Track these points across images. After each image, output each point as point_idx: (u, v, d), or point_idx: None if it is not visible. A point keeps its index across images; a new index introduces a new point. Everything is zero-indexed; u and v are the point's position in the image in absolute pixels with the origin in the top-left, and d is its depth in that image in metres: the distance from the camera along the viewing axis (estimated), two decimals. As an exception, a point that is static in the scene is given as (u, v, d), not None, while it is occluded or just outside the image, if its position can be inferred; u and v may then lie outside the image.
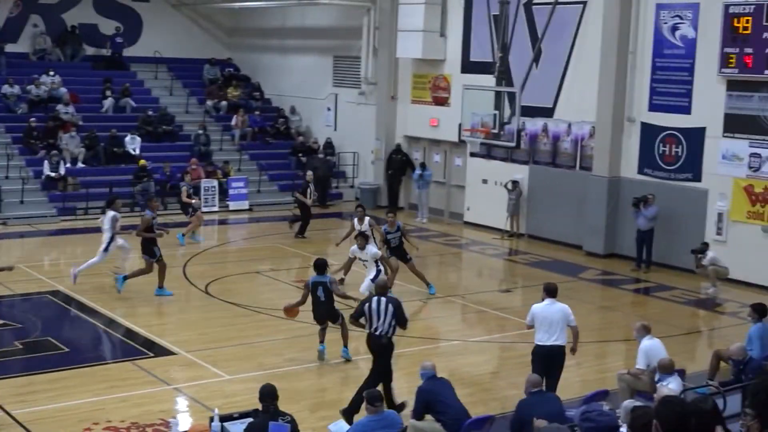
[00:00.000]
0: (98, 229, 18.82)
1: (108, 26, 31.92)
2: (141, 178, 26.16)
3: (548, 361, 11.75)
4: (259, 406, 9.18)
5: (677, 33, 20.73)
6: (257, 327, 15.90)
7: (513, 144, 23.81)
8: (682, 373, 11.88)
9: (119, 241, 18.15)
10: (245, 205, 27.29)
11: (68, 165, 26.23)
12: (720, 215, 20.06)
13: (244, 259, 21.16)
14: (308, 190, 23.51)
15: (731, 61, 19.39)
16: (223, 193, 27.03)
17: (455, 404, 10.43)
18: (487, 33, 24.46)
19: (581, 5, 22.59)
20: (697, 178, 20.57)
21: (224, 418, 9.63)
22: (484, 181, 25.32)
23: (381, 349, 11.96)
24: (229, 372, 13.45)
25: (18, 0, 30.65)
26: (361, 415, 10.30)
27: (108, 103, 29.36)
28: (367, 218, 18.54)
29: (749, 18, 19.01)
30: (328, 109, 30.65)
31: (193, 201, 23.35)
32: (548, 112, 23.54)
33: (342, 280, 17.10)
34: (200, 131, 28.81)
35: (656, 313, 17.05)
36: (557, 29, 22.96)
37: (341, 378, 13.67)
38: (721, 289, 18.80)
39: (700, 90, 20.33)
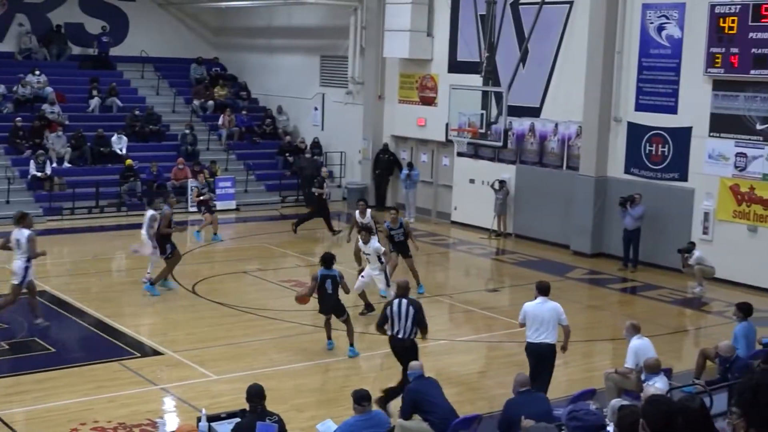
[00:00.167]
0: (84, 230, 18.80)
1: (94, 25, 31.79)
2: (128, 178, 26.10)
3: (537, 358, 11.85)
4: (247, 406, 9.18)
5: (663, 33, 20.80)
6: (244, 327, 15.88)
7: (500, 144, 23.81)
8: (668, 372, 11.92)
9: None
10: (232, 204, 27.25)
11: (54, 165, 26.14)
12: (706, 215, 20.14)
13: (231, 259, 21.12)
14: (324, 185, 23.64)
15: (717, 60, 19.46)
16: (210, 193, 26.96)
17: (443, 404, 10.44)
18: (474, 33, 24.48)
19: (568, 5, 22.65)
20: (684, 177, 20.65)
21: (212, 418, 9.61)
22: (471, 181, 25.35)
23: (404, 352, 11.99)
24: (216, 372, 13.43)
25: (3, -1, 30.56)
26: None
27: (94, 102, 29.27)
28: (368, 211, 18.86)
29: (735, 18, 19.08)
30: (315, 109, 30.62)
31: (201, 198, 23.48)
32: (535, 112, 23.60)
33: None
34: (187, 131, 28.75)
35: (643, 313, 17.10)
36: (544, 29, 23.00)
37: (330, 378, 13.68)
38: (708, 288, 18.87)
39: (687, 90, 20.40)
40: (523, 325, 12.07)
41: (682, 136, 20.56)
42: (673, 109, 20.71)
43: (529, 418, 9.14)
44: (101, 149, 27.22)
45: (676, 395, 8.99)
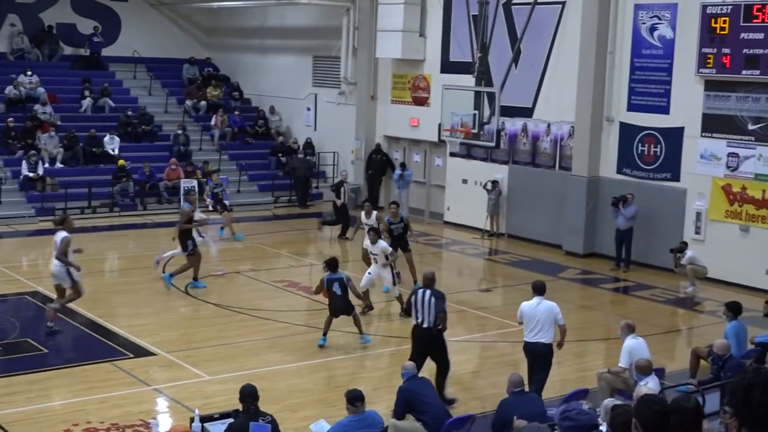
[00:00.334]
0: (76, 230, 18.73)
1: (86, 26, 31.74)
2: (120, 179, 26.06)
3: (533, 357, 11.94)
4: (240, 407, 9.18)
5: (655, 33, 20.84)
6: (237, 327, 15.86)
7: (492, 144, 23.86)
8: (661, 372, 11.95)
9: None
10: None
11: (47, 165, 26.09)
12: (698, 214, 20.19)
13: (224, 260, 21.09)
14: (341, 190, 23.57)
15: (709, 61, 19.51)
16: (203, 193, 26.91)
17: (436, 404, 10.46)
18: (466, 33, 24.50)
19: (560, 5, 22.68)
20: (676, 177, 20.69)
21: (205, 419, 9.61)
22: (464, 181, 25.37)
23: (431, 341, 12.21)
24: (209, 372, 13.42)
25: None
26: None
27: (86, 103, 29.21)
28: (374, 213, 19.22)
29: (726, 18, 19.13)
30: (308, 109, 30.62)
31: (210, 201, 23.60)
32: (527, 112, 23.62)
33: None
34: (179, 131, 28.71)
35: (635, 312, 17.12)
36: (536, 29, 23.03)
37: (322, 378, 13.67)
38: (700, 288, 18.91)
39: (678, 90, 20.45)
40: (521, 323, 12.14)
41: (674, 137, 20.60)
42: (665, 110, 20.75)
43: (523, 418, 9.15)
44: (93, 150, 27.18)
45: (669, 395, 9.00)
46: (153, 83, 31.62)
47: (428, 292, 12.28)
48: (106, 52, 31.98)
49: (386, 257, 16.62)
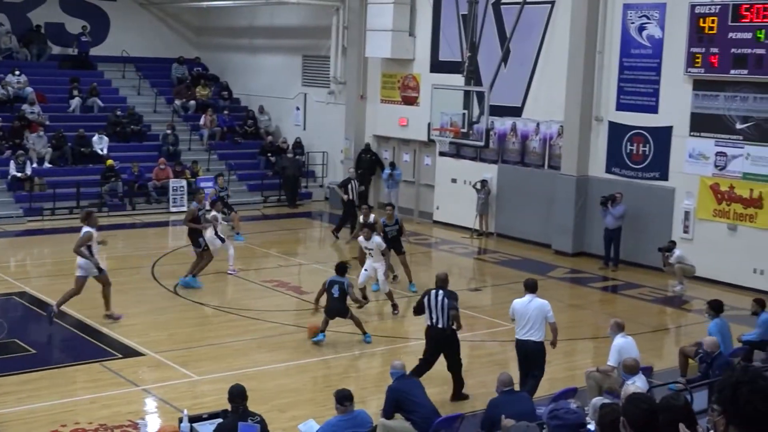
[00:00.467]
0: (65, 230, 18.76)
1: (75, 25, 31.63)
2: (109, 179, 25.99)
3: (524, 355, 12.01)
4: (229, 407, 9.17)
5: (644, 33, 20.89)
6: (226, 327, 15.84)
7: (482, 143, 23.87)
8: (649, 371, 11.99)
9: (208, 234, 18.82)
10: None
11: (35, 165, 26.00)
12: (687, 213, 20.25)
13: (214, 259, 21.01)
14: (349, 186, 23.54)
15: (697, 60, 19.57)
16: (192, 193, 26.86)
17: (425, 403, 10.46)
18: (455, 32, 24.51)
19: (549, 5, 22.71)
20: (664, 176, 20.74)
21: (193, 419, 9.60)
22: (453, 181, 25.39)
23: (446, 341, 12.45)
24: (198, 373, 13.40)
25: (-17, -1, 30.37)
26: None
27: (75, 102, 29.12)
28: (372, 215, 19.37)
29: (715, 18, 19.19)
30: (297, 109, 30.58)
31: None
32: (517, 112, 23.65)
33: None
34: (168, 131, 28.64)
35: (624, 311, 17.16)
36: (525, 29, 23.05)
37: (311, 378, 13.66)
38: (688, 286, 18.96)
39: (667, 89, 20.50)
40: (513, 320, 12.19)
41: (662, 136, 20.65)
42: (653, 109, 20.81)
43: (512, 417, 9.16)
44: (82, 149, 27.10)
45: (657, 393, 9.02)
46: (142, 83, 31.54)
47: (441, 292, 12.46)
48: (95, 51, 31.88)
49: (381, 253, 16.93)
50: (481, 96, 23.44)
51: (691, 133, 20.11)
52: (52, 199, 25.04)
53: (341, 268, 14.96)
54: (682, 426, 4.47)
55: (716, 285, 19.15)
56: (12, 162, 25.41)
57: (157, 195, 26.61)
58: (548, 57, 22.81)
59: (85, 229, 15.54)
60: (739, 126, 19.30)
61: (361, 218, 19.56)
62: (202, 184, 26.82)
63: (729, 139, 19.48)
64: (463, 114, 23.79)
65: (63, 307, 15.60)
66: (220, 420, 9.27)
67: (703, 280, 19.34)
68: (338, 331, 15.09)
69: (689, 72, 19.79)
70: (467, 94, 23.77)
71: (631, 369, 10.62)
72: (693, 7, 19.55)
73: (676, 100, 20.26)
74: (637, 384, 10.15)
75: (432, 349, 12.55)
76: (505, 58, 23.62)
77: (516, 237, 23.64)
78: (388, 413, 10.40)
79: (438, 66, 25.51)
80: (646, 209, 20.86)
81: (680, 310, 18.25)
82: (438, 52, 25.57)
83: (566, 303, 18.33)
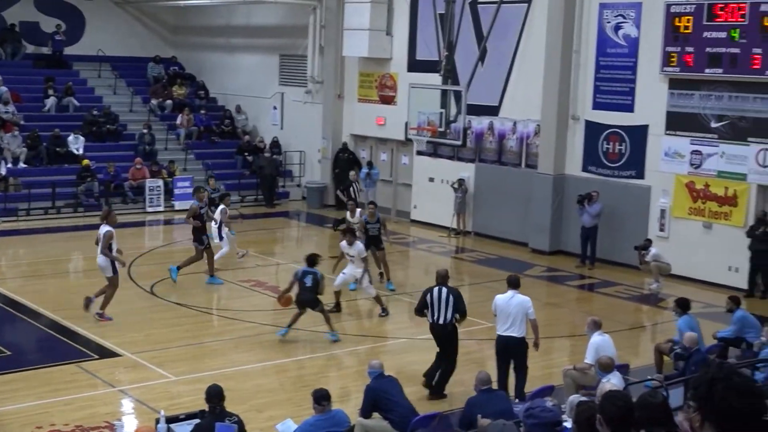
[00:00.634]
0: (40, 231, 18.62)
1: (50, 24, 31.40)
2: (84, 179, 25.82)
3: (505, 351, 12.09)
4: (206, 407, 9.14)
5: (620, 32, 20.99)
6: (203, 328, 15.79)
7: (459, 142, 23.90)
8: (625, 368, 12.04)
9: (224, 229, 19.12)
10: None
11: (9, 165, 25.81)
12: (662, 212, 20.36)
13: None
14: (351, 190, 23.51)
15: (673, 59, 19.68)
16: (169, 193, 26.78)
17: (403, 402, 10.47)
18: (433, 31, 24.54)
19: (526, 4, 22.76)
20: (640, 175, 20.84)
21: (170, 420, 9.56)
22: (431, 180, 25.41)
23: (447, 336, 12.55)
24: (175, 373, 13.34)
25: (-44, -3, 30.09)
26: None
27: (50, 102, 28.92)
28: (358, 210, 19.45)
29: (690, 17, 19.31)
30: (275, 108, 30.52)
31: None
32: (494, 111, 23.69)
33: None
34: (145, 130, 28.51)
35: (601, 309, 17.23)
36: (502, 28, 23.11)
37: (288, 378, 13.64)
38: (664, 284, 19.05)
39: (643, 88, 20.60)
40: (496, 316, 12.24)
41: (638, 134, 20.75)
42: (629, 108, 20.91)
43: (490, 415, 9.19)
44: (57, 149, 26.91)
45: (633, 391, 9.06)
46: (118, 82, 31.36)
47: (444, 289, 12.55)
48: (71, 50, 31.67)
49: (363, 259, 16.64)
50: (458, 95, 23.48)
51: (667, 132, 20.23)
52: (27, 199, 24.84)
53: (311, 260, 14.92)
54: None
55: (692, 283, 19.27)
56: (-14, 162, 25.22)
57: (133, 195, 26.48)
58: (525, 56, 22.87)
59: (106, 228, 15.55)
60: (714, 124, 19.43)
61: (347, 214, 19.61)
62: (179, 184, 26.81)
63: (704, 137, 19.60)
64: (441, 113, 23.83)
65: (38, 308, 15.50)
66: (197, 420, 9.24)
67: (678, 278, 19.44)
68: (315, 331, 15.07)
69: (665, 71, 19.90)
70: (444, 93, 23.81)
71: (606, 367, 10.66)
72: (668, 6, 19.66)
73: (651, 98, 20.37)
74: (612, 382, 10.18)
75: (438, 344, 12.74)
76: (482, 58, 23.67)
77: (493, 236, 23.69)
78: (366, 412, 10.40)
79: (415, 65, 25.53)
80: (622, 208, 20.95)
81: (656, 308, 18.34)
82: (415, 51, 25.59)
83: (543, 301, 18.36)
